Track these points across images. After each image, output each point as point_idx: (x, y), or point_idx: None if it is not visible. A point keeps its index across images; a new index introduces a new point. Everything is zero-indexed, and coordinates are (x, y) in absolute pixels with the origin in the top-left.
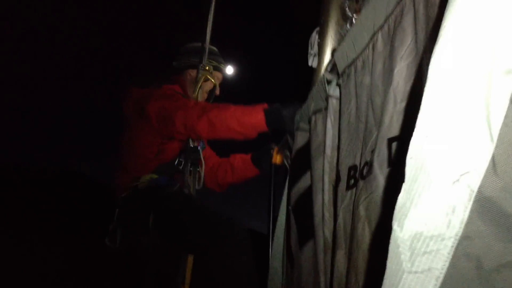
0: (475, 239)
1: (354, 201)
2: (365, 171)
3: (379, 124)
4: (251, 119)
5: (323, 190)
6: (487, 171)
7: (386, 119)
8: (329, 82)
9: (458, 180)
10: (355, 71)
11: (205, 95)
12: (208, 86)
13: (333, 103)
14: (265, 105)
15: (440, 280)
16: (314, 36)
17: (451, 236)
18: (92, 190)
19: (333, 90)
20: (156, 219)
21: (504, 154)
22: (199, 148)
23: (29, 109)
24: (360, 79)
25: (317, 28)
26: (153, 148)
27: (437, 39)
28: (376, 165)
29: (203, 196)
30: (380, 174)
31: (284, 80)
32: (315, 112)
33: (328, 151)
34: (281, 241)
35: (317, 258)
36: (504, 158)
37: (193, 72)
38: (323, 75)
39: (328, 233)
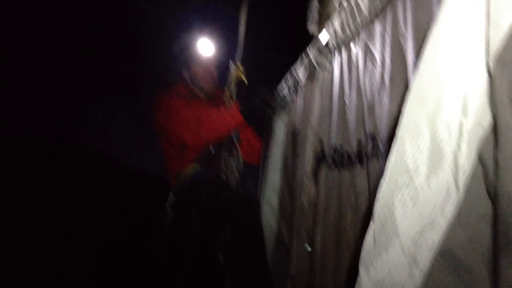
0: None
1: (339, 185)
2: (353, 158)
3: (367, 118)
4: (234, 122)
5: (304, 157)
6: (452, 224)
7: (375, 115)
8: (321, 52)
9: (422, 232)
10: (346, 54)
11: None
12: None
13: (324, 74)
14: (237, 104)
15: None
16: (315, 2)
17: (411, 286)
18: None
19: (324, 61)
20: (197, 212)
21: (468, 207)
22: (233, 136)
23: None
24: (349, 63)
25: None
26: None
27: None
28: (363, 157)
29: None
30: (366, 167)
31: (284, 45)
32: (305, 79)
33: (314, 120)
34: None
35: (293, 219)
36: (468, 211)
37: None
38: (316, 45)
39: (305, 199)
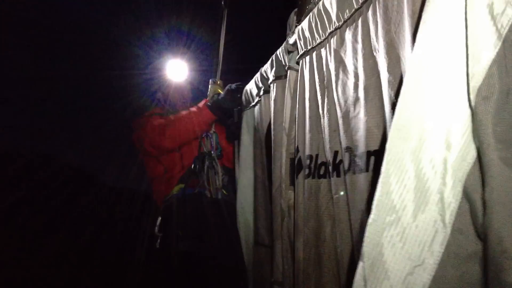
0: None
1: (317, 196)
2: (330, 169)
3: (343, 130)
4: (203, 118)
5: (281, 161)
6: (441, 263)
7: (347, 128)
8: (290, 52)
9: (412, 273)
10: (315, 58)
11: None
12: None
13: (293, 75)
14: (206, 101)
15: None
16: (292, 17)
17: None
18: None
19: (293, 62)
20: (182, 231)
21: (456, 244)
22: (212, 152)
23: None
24: (320, 71)
25: (295, 9)
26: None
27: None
28: (341, 168)
29: None
30: (343, 179)
31: (264, 62)
32: (275, 79)
33: (286, 123)
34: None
35: (274, 223)
36: (456, 249)
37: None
38: (285, 45)
39: (284, 204)
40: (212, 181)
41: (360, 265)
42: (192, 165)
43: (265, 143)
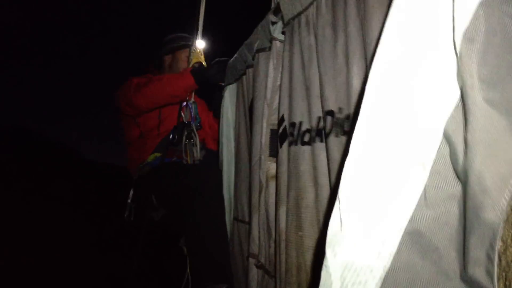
0: (402, 271)
1: (301, 163)
2: (313, 134)
3: (326, 95)
4: (183, 82)
5: (261, 132)
6: (419, 203)
7: (330, 93)
8: (274, 23)
9: (388, 213)
10: (299, 27)
11: None
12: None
13: (277, 45)
14: (189, 69)
15: None
16: None
17: (380, 267)
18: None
19: (278, 33)
20: (157, 197)
21: (434, 186)
22: (192, 122)
23: None
24: (305, 38)
25: None
26: (150, 129)
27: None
28: (324, 133)
29: None
30: (326, 143)
31: (247, 21)
32: (258, 51)
33: (268, 94)
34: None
35: (252, 197)
36: (435, 191)
37: (168, 58)
38: (268, 16)
39: (263, 176)
40: (190, 153)
41: (336, 205)
42: (170, 135)
43: (249, 117)
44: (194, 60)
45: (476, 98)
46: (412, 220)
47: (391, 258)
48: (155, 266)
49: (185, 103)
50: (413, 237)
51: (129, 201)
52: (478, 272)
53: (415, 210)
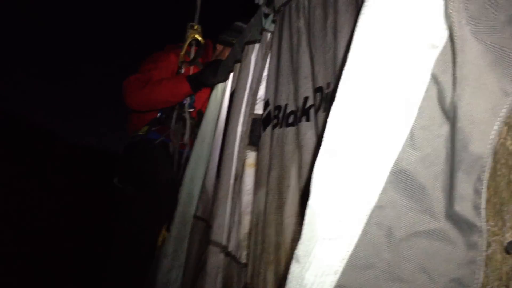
0: (387, 208)
1: (284, 144)
2: (298, 115)
3: (316, 74)
4: (180, 89)
5: (241, 121)
6: (405, 144)
7: (319, 70)
8: (266, 16)
9: (373, 152)
10: (290, 12)
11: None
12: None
13: (267, 36)
14: (185, 75)
15: (352, 246)
16: None
17: (365, 204)
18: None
19: (269, 25)
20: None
21: (422, 127)
22: (184, 102)
23: None
24: (294, 22)
25: None
26: None
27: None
28: (311, 112)
29: None
30: (313, 121)
31: (230, 16)
32: (247, 43)
33: (254, 83)
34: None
35: (220, 187)
36: (421, 132)
37: (219, 47)
38: (261, 8)
39: (240, 163)
40: (178, 134)
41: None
42: (159, 113)
43: (228, 109)
44: (191, 36)
45: (464, 33)
46: (398, 160)
47: (377, 196)
48: None
49: None
50: (399, 176)
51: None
52: (464, 207)
53: (402, 150)
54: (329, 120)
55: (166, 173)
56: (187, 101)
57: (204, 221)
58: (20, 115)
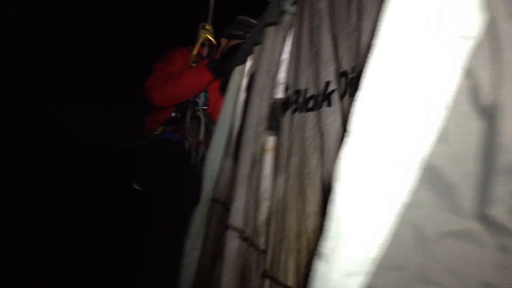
0: (418, 207)
1: (304, 129)
2: (319, 100)
3: (338, 56)
4: (203, 78)
5: (260, 105)
6: (435, 139)
7: (343, 53)
8: None
9: (406, 149)
10: None
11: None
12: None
13: (287, 19)
14: (206, 62)
15: (381, 247)
16: None
17: (394, 203)
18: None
19: (289, 6)
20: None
21: (455, 123)
22: (197, 100)
23: None
24: (316, 3)
25: None
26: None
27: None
28: (333, 97)
29: None
30: (336, 107)
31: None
32: (267, 25)
33: (273, 67)
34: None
35: (239, 171)
36: (454, 127)
37: (223, 41)
38: None
39: (258, 148)
40: (193, 132)
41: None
42: (173, 113)
43: (246, 92)
44: (203, 36)
45: (505, 27)
46: (429, 158)
47: (407, 194)
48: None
49: None
50: (429, 173)
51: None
52: (498, 210)
53: (432, 146)
54: (354, 114)
55: (185, 168)
56: (200, 99)
57: (221, 204)
58: (32, 112)
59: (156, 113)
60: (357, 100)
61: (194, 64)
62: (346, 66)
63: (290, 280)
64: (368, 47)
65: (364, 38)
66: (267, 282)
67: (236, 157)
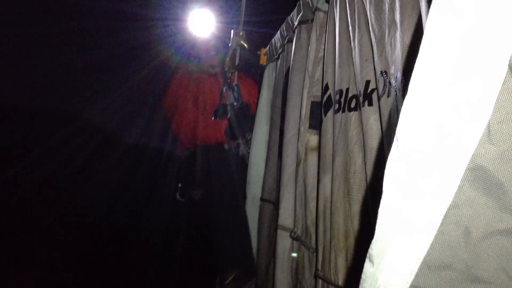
0: (464, 207)
1: (348, 129)
2: (360, 99)
3: (377, 57)
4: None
5: (301, 104)
6: (482, 139)
7: (382, 52)
8: None
9: (450, 150)
10: None
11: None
12: None
13: (320, 16)
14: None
15: (427, 246)
16: None
17: (441, 204)
18: None
19: (322, 3)
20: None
21: (499, 122)
22: (234, 104)
23: None
24: (351, 2)
25: None
26: None
27: None
28: (374, 96)
29: None
30: (377, 106)
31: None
32: (300, 23)
33: (310, 65)
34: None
35: (284, 171)
36: (499, 126)
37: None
38: None
39: (302, 147)
40: (229, 135)
41: (394, 145)
42: (213, 116)
43: (283, 90)
44: (235, 43)
45: None
46: (474, 156)
47: (453, 194)
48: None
49: (227, 86)
50: (476, 173)
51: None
52: None
53: (478, 146)
54: (401, 114)
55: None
56: (236, 102)
57: (271, 203)
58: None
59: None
60: (404, 101)
61: (229, 70)
62: (385, 65)
63: (341, 279)
64: (410, 47)
65: (404, 37)
66: (319, 281)
67: (280, 157)
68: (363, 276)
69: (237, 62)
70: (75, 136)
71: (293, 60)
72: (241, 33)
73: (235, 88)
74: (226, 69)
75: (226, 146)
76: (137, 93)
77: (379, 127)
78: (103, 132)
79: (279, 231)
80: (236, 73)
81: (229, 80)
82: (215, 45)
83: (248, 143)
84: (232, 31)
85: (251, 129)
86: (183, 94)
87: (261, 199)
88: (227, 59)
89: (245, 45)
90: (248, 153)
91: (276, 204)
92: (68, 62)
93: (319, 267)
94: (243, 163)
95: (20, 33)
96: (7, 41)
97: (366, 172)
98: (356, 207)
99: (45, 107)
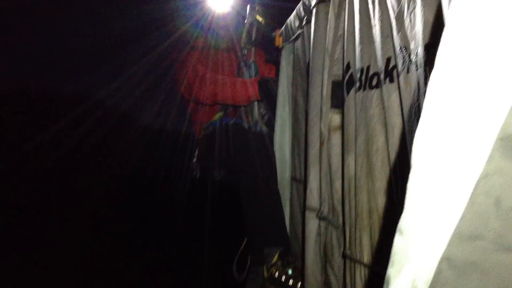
0: (495, 176)
1: (369, 107)
2: (381, 77)
3: (396, 33)
4: (247, 93)
5: (322, 84)
6: (510, 110)
7: (402, 28)
8: None
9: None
10: None
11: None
12: None
13: None
14: (258, 79)
15: (458, 217)
16: None
17: (471, 173)
18: None
19: None
20: (219, 160)
21: None
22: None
23: None
24: None
25: None
26: None
27: None
28: (394, 73)
29: None
30: (398, 83)
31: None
32: (318, 2)
33: (329, 45)
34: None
35: (309, 151)
36: None
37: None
38: None
39: (324, 127)
40: (250, 113)
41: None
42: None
43: (306, 71)
44: (251, 19)
45: None
46: (505, 125)
47: (483, 164)
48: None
49: (243, 63)
50: (506, 142)
51: (194, 160)
52: None
53: (509, 115)
54: (428, 87)
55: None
56: (248, 74)
57: (301, 182)
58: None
59: (208, 107)
60: (431, 74)
61: (245, 45)
62: (404, 41)
63: (366, 257)
64: (432, 21)
65: (426, 12)
66: (347, 261)
67: (306, 138)
68: (393, 249)
69: (253, 37)
70: (91, 113)
71: (313, 41)
72: (257, 7)
73: (252, 65)
74: (242, 46)
75: (245, 125)
76: (154, 69)
77: (400, 103)
78: (115, 112)
79: (307, 212)
80: (253, 49)
81: (245, 57)
82: (234, 19)
83: (263, 119)
84: (248, 5)
85: (268, 111)
86: (201, 69)
87: (292, 178)
88: (243, 34)
89: (262, 20)
90: (267, 130)
91: (304, 184)
92: (85, 39)
93: (347, 246)
94: (265, 143)
95: (33, 10)
96: (20, 19)
97: (388, 150)
98: (379, 185)
99: (52, 88)
